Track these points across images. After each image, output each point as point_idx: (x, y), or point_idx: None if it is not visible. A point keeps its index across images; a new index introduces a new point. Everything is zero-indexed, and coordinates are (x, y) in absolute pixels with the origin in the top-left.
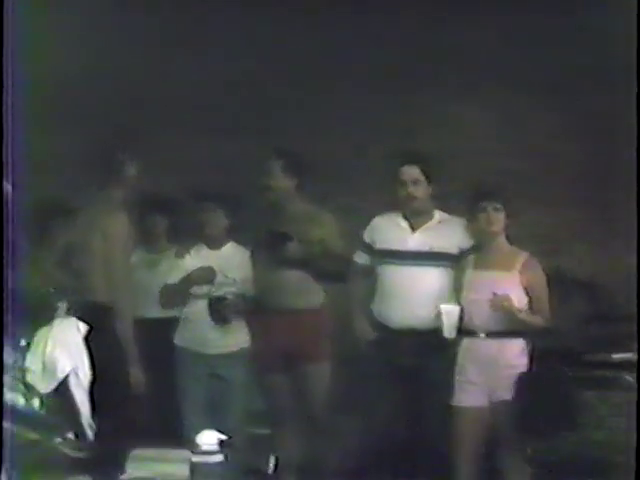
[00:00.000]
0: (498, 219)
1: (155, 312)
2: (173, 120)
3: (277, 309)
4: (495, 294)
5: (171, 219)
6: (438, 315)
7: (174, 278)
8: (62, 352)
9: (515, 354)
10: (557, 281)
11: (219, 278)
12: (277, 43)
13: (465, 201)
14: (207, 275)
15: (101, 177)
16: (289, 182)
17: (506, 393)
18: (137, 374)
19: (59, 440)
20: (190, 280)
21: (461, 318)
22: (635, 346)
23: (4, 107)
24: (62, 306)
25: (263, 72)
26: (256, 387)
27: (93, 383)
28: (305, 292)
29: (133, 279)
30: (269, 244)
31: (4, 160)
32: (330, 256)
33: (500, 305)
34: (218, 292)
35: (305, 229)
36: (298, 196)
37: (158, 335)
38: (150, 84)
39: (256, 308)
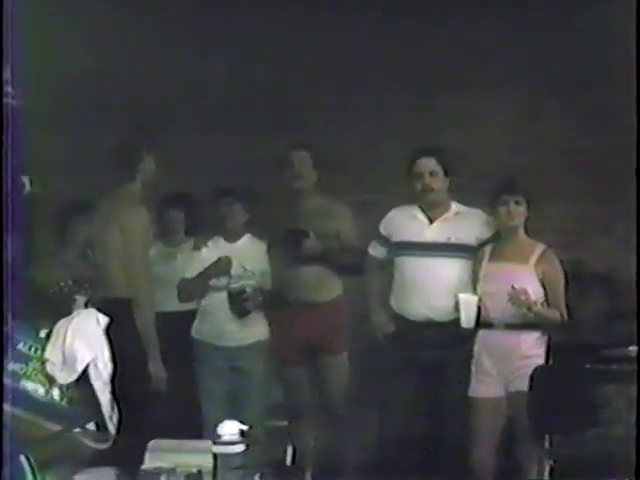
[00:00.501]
0: (518, 212)
1: (173, 305)
2: (191, 116)
3: (295, 302)
4: (513, 287)
5: (188, 213)
6: (456, 304)
7: (191, 271)
8: (82, 343)
9: (530, 346)
10: (576, 275)
11: (237, 270)
12: (293, 40)
13: (483, 194)
14: (225, 265)
15: (120, 173)
16: (315, 175)
17: (522, 384)
18: (158, 367)
19: (80, 431)
20: (208, 273)
21: (479, 308)
22: None
23: (20, 103)
24: (80, 299)
25: (279, 70)
26: (274, 379)
27: (114, 375)
28: (323, 285)
29: (151, 273)
30: (287, 242)
31: (20, 156)
32: (346, 249)
33: (517, 299)
34: (236, 284)
35: (321, 222)
36: (316, 190)
37: (177, 328)
38: (168, 81)
39: (274, 301)
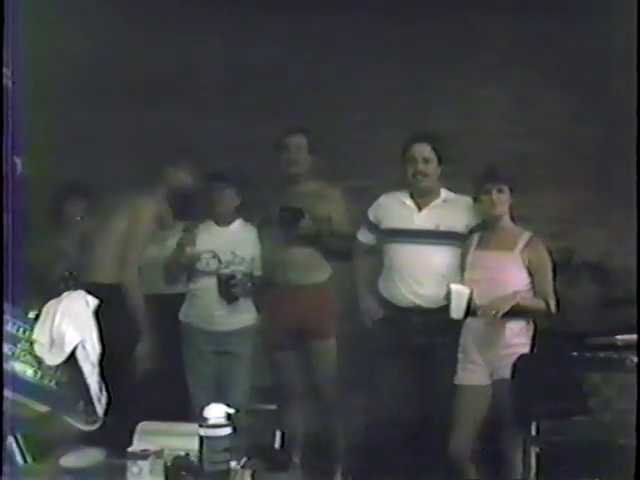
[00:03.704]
0: (501, 201)
1: (164, 288)
2: (186, 98)
3: (284, 285)
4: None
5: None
6: (447, 294)
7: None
8: (70, 324)
9: (515, 334)
10: (565, 263)
11: (227, 256)
12: (290, 22)
13: (470, 182)
14: (190, 234)
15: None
16: (310, 159)
17: (506, 372)
18: (147, 349)
19: (68, 413)
20: (180, 250)
21: (469, 300)
22: None
23: (18, 86)
24: (70, 283)
25: (276, 53)
26: (262, 363)
27: (102, 357)
28: (312, 267)
29: (146, 257)
30: (283, 220)
31: (15, 137)
32: (337, 234)
33: (487, 314)
34: (226, 270)
35: (314, 206)
36: (310, 174)
37: (167, 311)
38: (165, 62)
39: (263, 285)
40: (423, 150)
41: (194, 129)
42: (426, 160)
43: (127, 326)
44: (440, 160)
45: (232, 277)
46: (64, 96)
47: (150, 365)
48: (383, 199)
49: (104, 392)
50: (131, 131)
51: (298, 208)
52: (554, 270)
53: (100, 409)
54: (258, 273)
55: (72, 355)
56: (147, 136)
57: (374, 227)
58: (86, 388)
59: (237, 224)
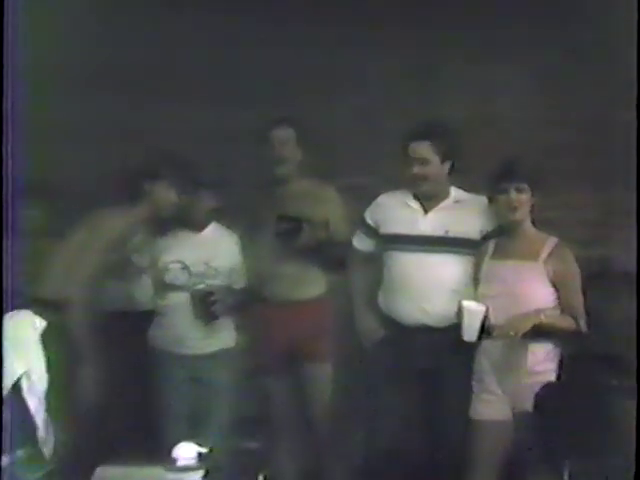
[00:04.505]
0: (521, 202)
1: (130, 304)
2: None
3: (273, 300)
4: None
5: None
6: (458, 312)
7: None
8: (13, 352)
9: (539, 359)
10: (598, 274)
11: (198, 268)
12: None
13: (486, 180)
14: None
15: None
16: (300, 154)
17: (530, 404)
18: (93, 376)
19: (8, 460)
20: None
21: (484, 319)
22: None
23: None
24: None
25: (266, 36)
26: (244, 392)
27: (50, 388)
28: (307, 281)
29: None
30: (280, 232)
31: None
32: (336, 240)
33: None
34: (200, 284)
35: (307, 208)
36: (300, 171)
37: (133, 331)
38: (151, 46)
39: (248, 300)
40: (420, 150)
41: (163, 117)
42: (424, 161)
43: (76, 349)
44: (446, 157)
45: (210, 294)
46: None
47: (96, 396)
48: (382, 199)
49: (51, 432)
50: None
51: (296, 217)
52: (585, 283)
53: (47, 451)
54: (239, 286)
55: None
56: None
57: (372, 232)
58: (32, 427)
59: (211, 229)
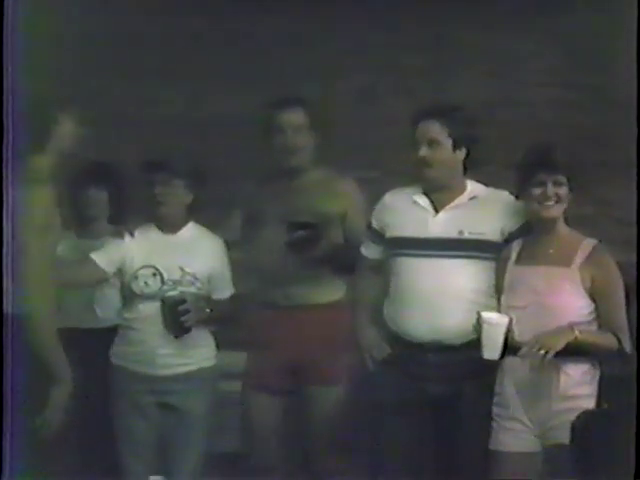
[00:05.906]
0: (560, 196)
1: (91, 320)
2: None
3: (276, 305)
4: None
5: (113, 194)
6: (477, 326)
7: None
8: None
9: (574, 381)
10: None
11: (174, 274)
12: None
13: (513, 171)
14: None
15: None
16: (313, 140)
17: (563, 434)
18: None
19: None
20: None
21: (507, 333)
22: None
23: None
24: None
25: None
26: (223, 422)
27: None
28: (319, 284)
29: (57, 275)
30: (294, 242)
31: None
32: (353, 239)
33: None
34: (173, 291)
35: (320, 203)
36: (313, 161)
37: (92, 351)
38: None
39: (244, 305)
40: (428, 130)
41: (135, 101)
42: (432, 143)
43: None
44: (460, 142)
45: (181, 301)
46: None
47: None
48: (388, 198)
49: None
50: None
51: (312, 223)
52: (627, 292)
53: None
54: (222, 295)
55: None
56: None
57: (378, 236)
58: None
59: (188, 230)
